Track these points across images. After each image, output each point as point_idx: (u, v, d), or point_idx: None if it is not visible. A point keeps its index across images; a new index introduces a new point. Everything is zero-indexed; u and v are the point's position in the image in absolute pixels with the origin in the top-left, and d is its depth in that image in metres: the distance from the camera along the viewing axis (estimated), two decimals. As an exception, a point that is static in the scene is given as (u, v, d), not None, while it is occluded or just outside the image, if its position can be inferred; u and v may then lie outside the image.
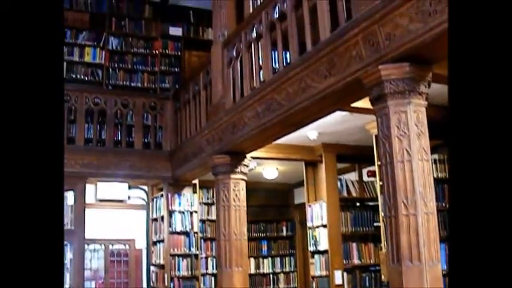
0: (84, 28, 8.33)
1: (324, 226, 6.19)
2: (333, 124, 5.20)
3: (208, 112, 5.62)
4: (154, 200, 7.33)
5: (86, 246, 6.67)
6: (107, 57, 8.30)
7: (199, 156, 5.73)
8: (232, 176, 5.14)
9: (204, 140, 5.56)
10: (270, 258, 8.67)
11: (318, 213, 6.39)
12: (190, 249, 6.86)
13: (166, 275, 6.67)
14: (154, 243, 7.20)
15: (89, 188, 6.78)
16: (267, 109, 4.30)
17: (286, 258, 8.79)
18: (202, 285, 7.07)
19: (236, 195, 5.13)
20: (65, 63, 7.97)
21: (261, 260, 8.59)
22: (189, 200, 6.94)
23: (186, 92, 6.46)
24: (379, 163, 3.35)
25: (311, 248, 6.44)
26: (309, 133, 5.59)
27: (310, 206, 6.55)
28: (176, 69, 8.68)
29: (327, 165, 6.18)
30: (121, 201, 7.43)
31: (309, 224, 6.55)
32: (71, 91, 6.72)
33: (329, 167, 6.19)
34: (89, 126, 7.07)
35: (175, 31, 8.85)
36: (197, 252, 6.93)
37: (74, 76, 8.02)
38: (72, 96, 6.62)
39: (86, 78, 8.11)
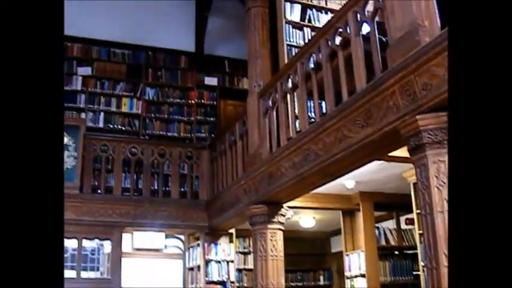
0: (122, 79, 8.64)
1: (363, 276, 6.11)
2: (370, 173, 5.20)
3: (244, 162, 5.68)
4: (191, 249, 7.36)
5: (122, 295, 6.70)
6: (144, 108, 8.54)
7: (236, 206, 5.77)
8: (269, 225, 5.14)
9: (240, 190, 5.61)
10: (307, 308, 8.57)
11: (356, 262, 6.32)
12: (226, 299, 6.83)
13: (202, 325, 6.62)
14: (191, 292, 7.19)
15: (126, 237, 6.87)
16: (304, 159, 4.34)
17: (324, 308, 8.68)
18: (239, 335, 7.00)
19: (273, 245, 5.11)
20: (102, 114, 8.27)
21: (298, 310, 8.49)
22: (225, 250, 6.95)
23: (222, 142, 6.56)
24: (418, 212, 3.33)
25: (349, 298, 6.36)
26: (346, 182, 5.61)
27: (347, 255, 6.50)
28: (212, 119, 8.85)
29: (364, 214, 6.16)
30: (157, 250, 7.47)
31: (347, 273, 6.48)
32: (109, 141, 6.92)
33: (366, 216, 6.17)
34: (126, 176, 7.25)
35: (211, 81, 9.07)
36: (234, 302, 6.90)
37: (111, 126, 8.27)
38: (109, 146, 6.80)
39: (123, 128, 8.36)
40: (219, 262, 6.91)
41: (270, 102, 5.15)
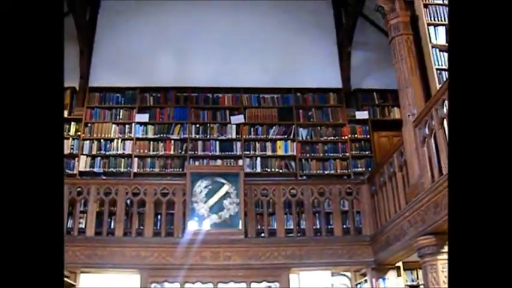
0: (274, 123, 9.08)
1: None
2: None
3: (406, 193, 5.63)
4: (358, 286, 7.35)
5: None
6: (299, 149, 8.86)
7: (402, 239, 5.68)
8: (440, 256, 4.98)
9: (405, 222, 5.54)
10: None
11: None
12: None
13: None
14: (364, 331, 7.17)
15: (293, 277, 7.01)
16: (470, 184, 4.24)
17: None
18: None
19: (445, 276, 4.99)
20: (259, 159, 8.75)
21: None
22: (394, 284, 6.86)
23: (381, 175, 6.57)
24: None
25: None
26: None
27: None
28: (367, 152, 8.90)
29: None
30: (324, 289, 7.56)
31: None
32: (268, 185, 7.16)
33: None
34: (288, 217, 7.57)
35: (362, 115, 9.17)
36: None
37: (268, 170, 8.70)
38: (269, 190, 7.05)
39: (281, 171, 8.71)
40: (389, 298, 6.84)
41: (427, 130, 5.09)
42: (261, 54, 9.49)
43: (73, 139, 8.82)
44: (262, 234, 7.07)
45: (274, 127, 9.09)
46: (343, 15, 9.77)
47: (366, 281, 7.03)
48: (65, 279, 6.41)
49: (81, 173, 8.53)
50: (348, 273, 7.65)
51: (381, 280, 6.84)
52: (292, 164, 8.81)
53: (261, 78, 9.33)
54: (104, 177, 8.22)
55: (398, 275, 7.02)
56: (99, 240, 6.54)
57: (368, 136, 9.03)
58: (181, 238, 6.54)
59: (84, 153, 8.70)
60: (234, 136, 8.98)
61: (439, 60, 5.63)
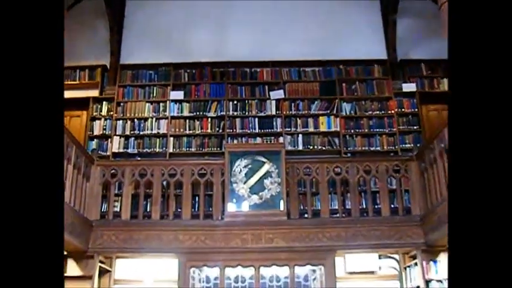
0: (316, 98, 8.98)
1: None
2: None
3: (459, 170, 5.49)
4: (408, 269, 7.24)
5: (341, 322, 6.81)
6: (342, 124, 8.76)
7: (455, 219, 5.59)
8: None
9: (458, 201, 5.43)
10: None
11: None
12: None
13: None
14: (413, 316, 7.08)
15: (338, 260, 6.89)
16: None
17: None
18: None
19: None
20: (301, 136, 8.70)
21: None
22: (446, 267, 6.74)
23: (431, 151, 6.39)
24: None
25: None
26: None
27: None
28: (415, 127, 8.73)
29: None
30: (372, 272, 7.49)
31: None
32: (311, 163, 7.04)
33: None
34: (332, 197, 7.53)
35: (409, 87, 8.97)
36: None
37: (311, 147, 8.65)
38: (312, 168, 6.96)
39: (324, 148, 8.65)
40: (441, 281, 6.72)
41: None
42: (301, 24, 9.37)
43: (105, 119, 8.91)
44: (306, 215, 7.00)
45: (316, 102, 9.00)
46: (388, -20, 9.54)
47: (415, 264, 6.91)
48: (100, 264, 6.50)
49: (115, 155, 8.62)
50: (396, 256, 7.53)
51: (431, 263, 6.70)
52: (336, 140, 8.73)
53: (302, 51, 9.22)
54: (139, 158, 8.30)
55: (451, 257, 6.85)
56: (135, 223, 6.58)
57: (416, 110, 8.85)
58: (220, 220, 6.55)
59: (117, 133, 8.78)
60: (273, 112, 8.95)
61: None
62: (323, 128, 8.80)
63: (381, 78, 9.12)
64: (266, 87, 9.16)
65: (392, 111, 8.82)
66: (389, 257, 7.53)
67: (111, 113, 8.91)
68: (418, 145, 8.04)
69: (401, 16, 9.23)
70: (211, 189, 6.89)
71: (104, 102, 9.01)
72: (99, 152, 8.45)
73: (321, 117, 8.88)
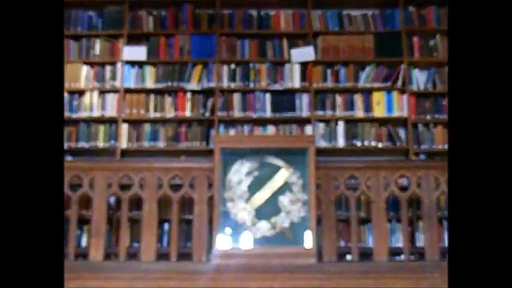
0: (368, 61, 9.18)
1: None
2: None
3: None
4: None
5: None
6: (412, 106, 8.85)
7: None
8: None
9: None
10: None
11: None
12: None
13: None
14: None
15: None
16: None
17: None
18: None
19: None
20: (342, 124, 8.66)
21: None
22: None
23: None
24: None
25: None
26: None
27: None
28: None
29: None
30: None
31: None
32: (359, 170, 6.98)
33: None
34: (393, 227, 7.86)
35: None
36: None
37: (359, 144, 8.74)
38: (361, 179, 6.91)
39: (380, 145, 8.79)
40: None
41: None
42: None
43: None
44: (349, 257, 7.05)
45: (367, 68, 9.09)
46: None
47: None
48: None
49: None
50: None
51: None
52: (401, 132, 8.83)
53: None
54: (70, 159, 8.29)
55: None
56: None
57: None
58: (205, 263, 6.52)
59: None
60: (296, 84, 9.03)
61: None
62: (379, 111, 8.88)
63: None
64: (284, 41, 9.22)
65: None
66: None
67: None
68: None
69: None
70: (190, 211, 6.93)
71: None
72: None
73: (375, 94, 8.96)
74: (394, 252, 7.22)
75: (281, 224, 6.57)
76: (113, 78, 9.08)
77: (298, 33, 9.24)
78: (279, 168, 6.70)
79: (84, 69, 9.05)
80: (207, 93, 9.00)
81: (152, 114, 8.93)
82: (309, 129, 8.75)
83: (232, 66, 9.12)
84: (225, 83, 9.04)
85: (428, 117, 8.77)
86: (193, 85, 9.02)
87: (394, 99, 8.90)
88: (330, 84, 9.03)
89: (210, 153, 7.23)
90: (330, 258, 6.66)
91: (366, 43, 9.17)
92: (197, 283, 6.45)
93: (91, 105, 8.88)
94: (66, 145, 8.64)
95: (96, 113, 8.86)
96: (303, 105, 8.88)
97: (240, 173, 6.66)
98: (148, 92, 9.03)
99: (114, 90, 9.01)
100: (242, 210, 6.58)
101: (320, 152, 7.63)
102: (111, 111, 8.93)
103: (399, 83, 8.98)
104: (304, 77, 9.03)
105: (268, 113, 8.92)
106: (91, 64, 9.09)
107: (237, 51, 9.19)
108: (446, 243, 7.52)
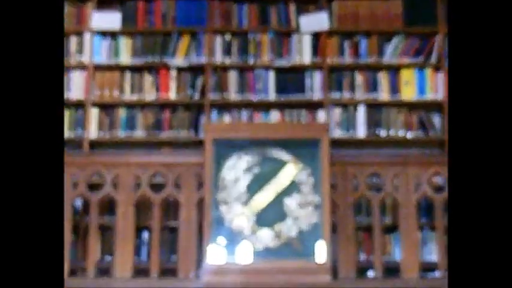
0: (394, 30, 9.13)
1: None
2: None
3: None
4: None
5: None
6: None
7: None
8: None
9: None
10: None
11: None
12: None
13: None
14: None
15: None
16: None
17: None
18: None
19: None
20: (363, 108, 8.53)
21: None
22: None
23: None
24: None
25: None
26: None
27: None
28: None
29: None
30: None
31: None
32: (383, 166, 7.04)
33: None
34: (425, 237, 7.83)
35: None
36: None
37: (384, 134, 8.72)
38: (385, 176, 6.95)
39: (410, 136, 8.76)
40: None
41: None
42: None
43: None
44: (370, 273, 7.09)
45: (394, 39, 9.04)
46: None
47: None
48: None
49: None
50: None
51: None
52: (436, 119, 8.76)
53: None
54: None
55: None
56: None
57: None
58: (194, 282, 6.48)
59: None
60: (307, 60, 8.98)
61: None
62: (408, 93, 8.86)
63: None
64: (292, 6, 9.15)
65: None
66: None
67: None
68: None
69: None
70: (175, 216, 6.96)
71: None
72: None
73: (404, 71, 8.93)
74: (427, 267, 7.19)
75: (287, 233, 6.54)
76: (80, 51, 9.06)
77: (309, -3, 9.11)
78: (284, 163, 6.67)
79: (46, 41, 8.92)
80: (196, 70, 8.98)
81: (128, 97, 8.92)
82: (321, 116, 8.74)
83: (227, 37, 9.09)
84: (218, 58, 9.02)
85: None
86: (178, 60, 8.99)
87: (427, 79, 8.87)
88: (347, 59, 9.00)
89: (199, 144, 7.18)
90: (348, 274, 6.64)
91: (392, 9, 9.09)
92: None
93: (54, 85, 8.75)
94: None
95: (60, 95, 8.72)
96: (315, 85, 8.87)
97: (237, 169, 6.62)
98: (123, 69, 9.01)
99: (81, 67, 8.99)
100: (239, 216, 6.54)
101: (335, 143, 7.51)
102: (77, 93, 8.91)
103: (433, 59, 8.93)
104: (316, 50, 9.00)
105: (272, 96, 8.91)
106: (54, 34, 8.94)
107: (233, 18, 9.15)
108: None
